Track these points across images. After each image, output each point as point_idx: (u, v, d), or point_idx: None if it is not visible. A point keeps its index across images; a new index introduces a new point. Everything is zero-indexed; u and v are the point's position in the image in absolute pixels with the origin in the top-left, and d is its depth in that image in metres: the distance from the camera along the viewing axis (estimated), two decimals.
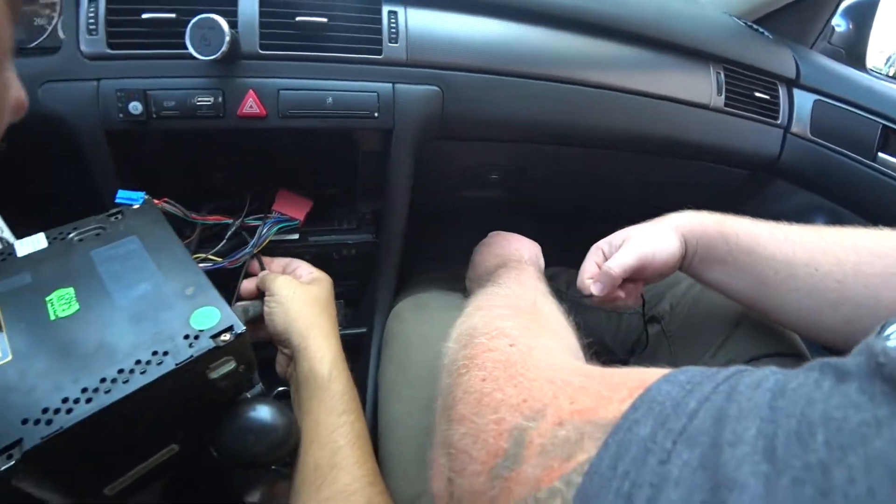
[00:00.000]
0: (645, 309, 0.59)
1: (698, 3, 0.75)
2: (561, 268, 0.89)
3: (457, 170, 0.68)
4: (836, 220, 0.74)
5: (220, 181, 0.57)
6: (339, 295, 0.67)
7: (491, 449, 0.22)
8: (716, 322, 0.50)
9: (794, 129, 0.74)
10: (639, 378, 0.19)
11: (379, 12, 0.50)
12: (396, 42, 0.50)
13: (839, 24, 0.80)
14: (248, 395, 0.39)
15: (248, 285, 0.51)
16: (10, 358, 0.31)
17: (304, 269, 0.52)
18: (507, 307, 0.35)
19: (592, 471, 0.16)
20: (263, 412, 0.37)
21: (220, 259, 0.51)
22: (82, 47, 0.44)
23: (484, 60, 0.54)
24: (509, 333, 0.30)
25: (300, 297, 0.45)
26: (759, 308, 0.44)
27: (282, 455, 0.39)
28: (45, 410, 0.28)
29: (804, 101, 0.74)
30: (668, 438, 0.15)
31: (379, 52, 0.50)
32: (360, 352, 0.62)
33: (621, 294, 0.46)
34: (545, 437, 0.20)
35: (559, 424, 0.20)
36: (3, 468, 0.26)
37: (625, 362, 0.61)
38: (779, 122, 0.73)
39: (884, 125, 0.68)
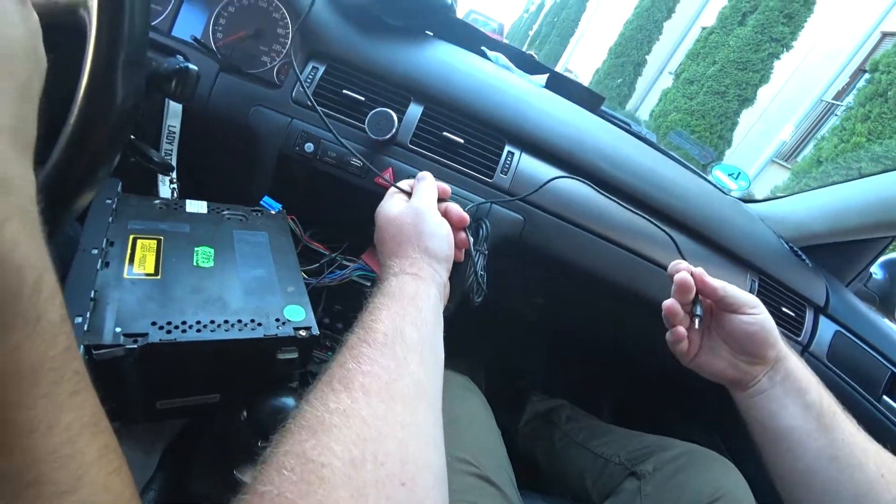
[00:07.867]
0: (628, 463, 0.61)
1: (755, 220, 0.84)
2: (564, 401, 0.90)
3: (510, 282, 0.75)
4: None
5: (331, 220, 0.70)
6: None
7: None
8: (691, 495, 0.51)
9: (813, 350, 0.77)
10: None
11: (502, 149, 0.64)
12: (506, 174, 0.64)
13: (877, 272, 0.84)
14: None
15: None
16: (159, 277, 0.41)
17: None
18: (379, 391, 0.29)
19: None
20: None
21: (307, 276, 0.61)
22: (293, 93, 0.61)
23: (565, 209, 0.66)
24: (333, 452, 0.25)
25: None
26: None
27: None
28: (168, 323, 0.37)
29: (827, 329, 0.78)
30: None
31: (490, 177, 0.63)
32: None
33: None
34: None
35: None
36: (127, 346, 0.35)
37: None
38: (799, 339, 0.77)
39: (893, 371, 0.72)
